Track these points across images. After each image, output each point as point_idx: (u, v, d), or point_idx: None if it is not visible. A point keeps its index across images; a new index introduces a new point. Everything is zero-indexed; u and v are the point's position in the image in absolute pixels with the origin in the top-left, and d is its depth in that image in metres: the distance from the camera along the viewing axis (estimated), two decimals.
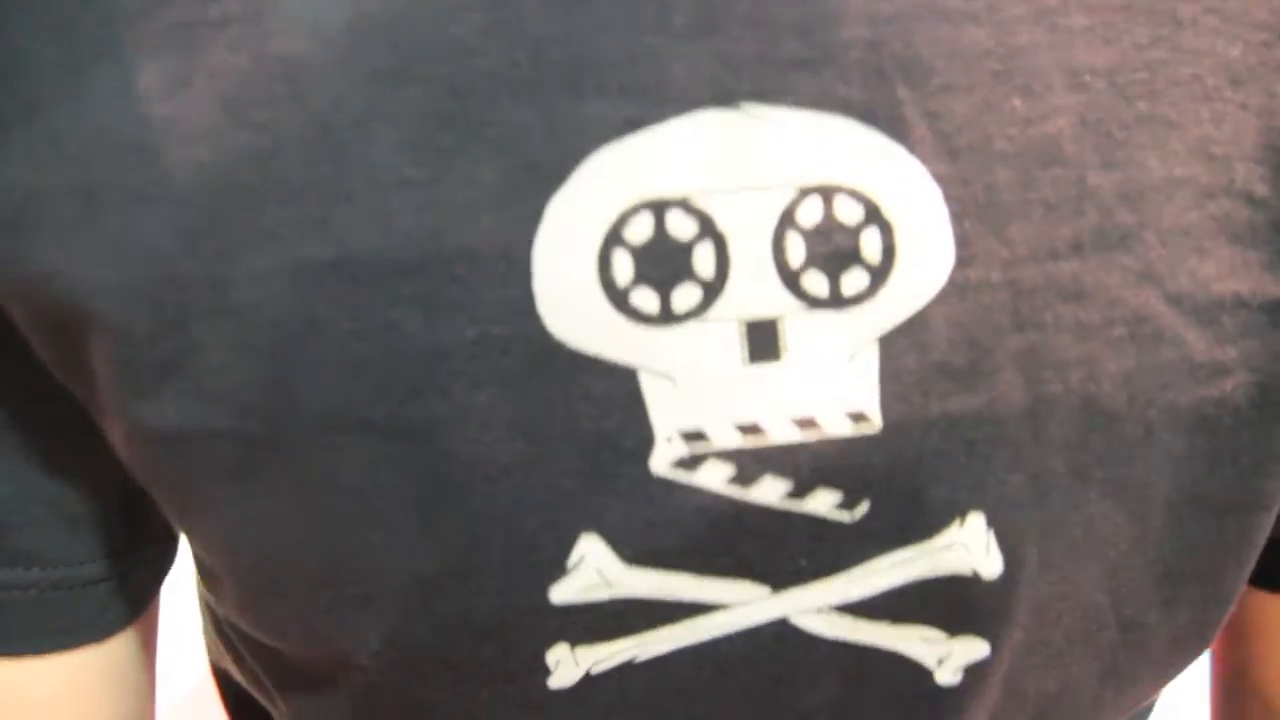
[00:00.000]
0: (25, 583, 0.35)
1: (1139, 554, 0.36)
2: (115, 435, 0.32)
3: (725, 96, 0.30)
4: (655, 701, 0.36)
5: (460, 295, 0.30)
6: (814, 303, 0.31)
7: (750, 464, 0.32)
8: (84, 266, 0.29)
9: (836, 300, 0.31)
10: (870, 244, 0.31)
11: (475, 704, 0.35)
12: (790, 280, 0.31)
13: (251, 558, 0.33)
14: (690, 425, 0.31)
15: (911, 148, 0.30)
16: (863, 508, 0.33)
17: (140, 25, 0.29)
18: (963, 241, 0.31)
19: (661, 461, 0.32)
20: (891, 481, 0.33)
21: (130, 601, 0.38)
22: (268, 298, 0.29)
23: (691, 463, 0.32)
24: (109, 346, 0.30)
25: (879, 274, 0.31)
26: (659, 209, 0.30)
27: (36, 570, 0.35)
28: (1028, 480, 0.33)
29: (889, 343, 0.31)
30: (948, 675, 0.36)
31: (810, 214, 0.30)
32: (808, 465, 0.32)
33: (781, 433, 0.32)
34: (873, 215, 0.30)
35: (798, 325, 0.31)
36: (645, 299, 0.30)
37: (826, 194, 0.30)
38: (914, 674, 0.36)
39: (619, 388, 0.31)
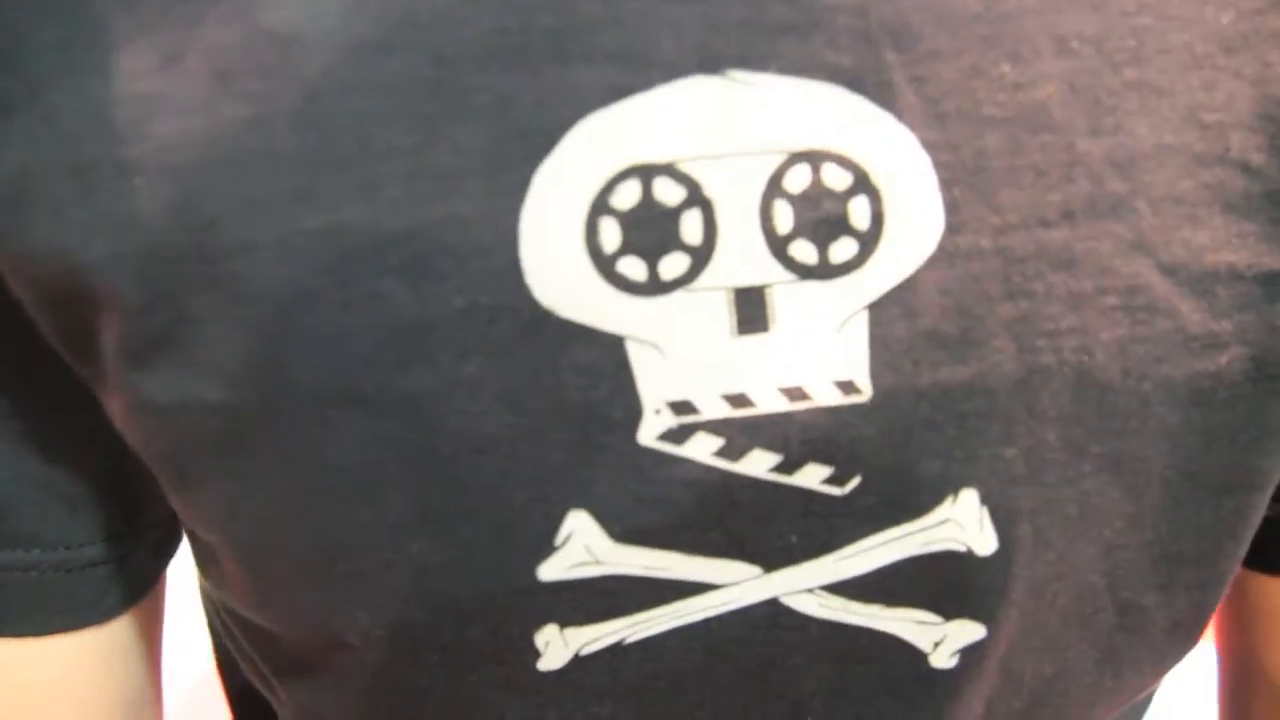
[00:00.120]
0: (26, 564, 0.36)
1: (1135, 534, 0.35)
2: (116, 409, 0.33)
3: (712, 63, 0.29)
4: (646, 684, 0.35)
5: (448, 264, 0.30)
6: (802, 271, 0.31)
7: (739, 435, 0.32)
8: (80, 241, 0.30)
9: (825, 268, 0.31)
10: (859, 211, 0.30)
11: (466, 687, 0.35)
12: (778, 248, 0.30)
13: (244, 534, 0.33)
14: (678, 396, 0.31)
15: (900, 114, 0.30)
16: (854, 482, 0.32)
17: (136, 2, 0.29)
18: (952, 208, 0.31)
19: (649, 433, 0.31)
20: (882, 455, 0.32)
21: (131, 584, 0.38)
22: (256, 269, 0.29)
23: (680, 434, 0.31)
24: (108, 319, 0.31)
25: (868, 241, 0.30)
26: (646, 175, 0.30)
27: (37, 552, 0.36)
28: (1021, 454, 0.33)
29: (878, 310, 0.31)
30: (943, 658, 0.36)
31: (798, 180, 0.30)
32: (797, 436, 0.32)
33: (770, 403, 0.31)
34: (861, 182, 0.30)
35: (786, 294, 0.31)
36: (633, 267, 0.30)
37: (814, 160, 0.30)
38: (909, 657, 0.36)
39: (607, 357, 0.31)
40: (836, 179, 0.30)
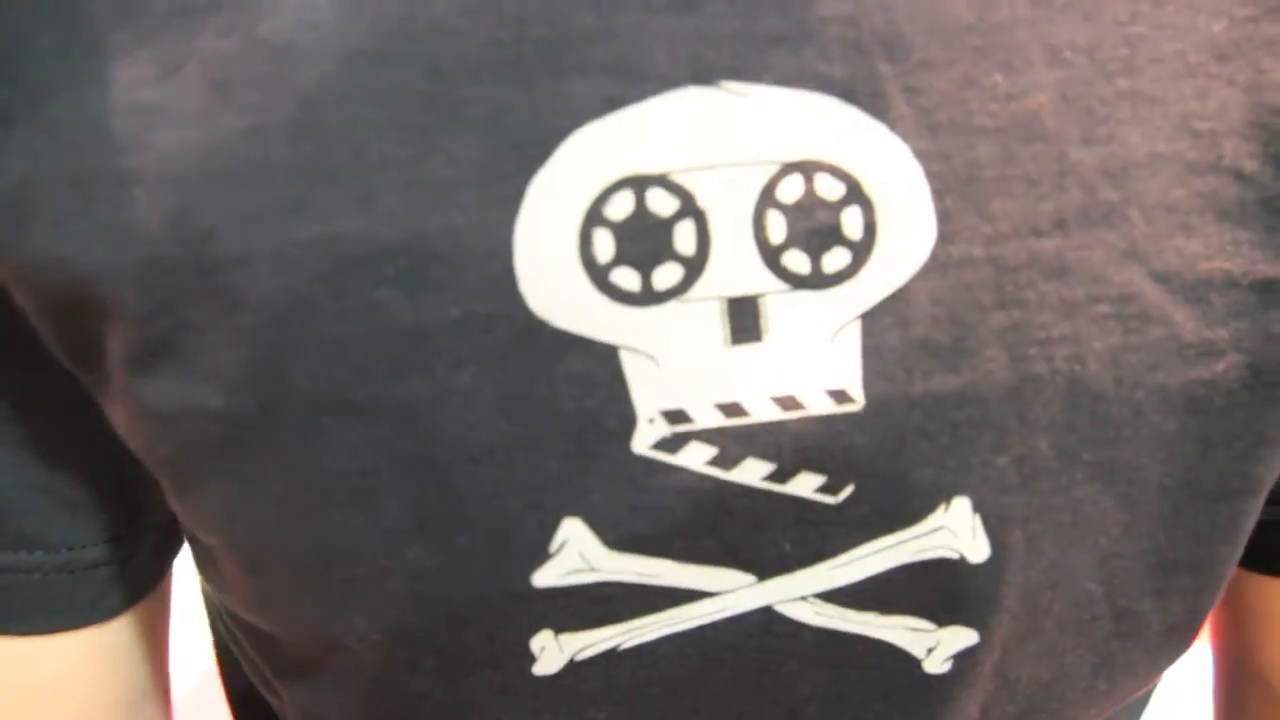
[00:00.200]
0: (29, 566, 0.36)
1: (1131, 541, 0.35)
2: (119, 415, 0.33)
3: (704, 74, 0.29)
4: (640, 690, 0.35)
5: (443, 274, 0.30)
6: (795, 281, 0.31)
7: (732, 444, 0.32)
8: (81, 251, 0.30)
9: (818, 278, 0.31)
10: (851, 221, 0.30)
11: (462, 691, 0.35)
12: (771, 258, 0.31)
13: (243, 538, 0.34)
14: (672, 405, 0.31)
15: (892, 124, 0.30)
16: (847, 491, 0.32)
17: (136, 12, 0.29)
18: (944, 217, 0.31)
19: (643, 442, 0.31)
20: (875, 463, 0.32)
21: (133, 584, 0.39)
22: (253, 279, 0.30)
23: (674, 443, 0.32)
24: (111, 327, 0.31)
25: (860, 251, 0.31)
26: (639, 186, 0.30)
27: (40, 554, 0.36)
28: (1013, 462, 0.33)
29: (871, 320, 0.31)
30: (937, 664, 0.36)
31: (791, 191, 0.30)
32: (790, 445, 0.32)
33: (763, 412, 0.31)
34: (854, 192, 0.30)
35: (779, 304, 0.31)
36: (626, 277, 0.30)
37: (807, 171, 0.30)
38: (903, 663, 0.36)
39: (601, 367, 0.31)
40: (829, 189, 0.30)
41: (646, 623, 0.34)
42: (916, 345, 0.31)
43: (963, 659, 0.36)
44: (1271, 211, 0.32)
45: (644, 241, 0.30)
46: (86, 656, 0.38)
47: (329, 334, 0.30)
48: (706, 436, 0.32)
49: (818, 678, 0.36)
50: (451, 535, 0.32)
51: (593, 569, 0.33)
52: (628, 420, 0.31)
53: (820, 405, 0.32)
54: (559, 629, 0.34)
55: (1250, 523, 0.37)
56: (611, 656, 0.34)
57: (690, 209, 0.30)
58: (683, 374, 0.31)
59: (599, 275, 0.30)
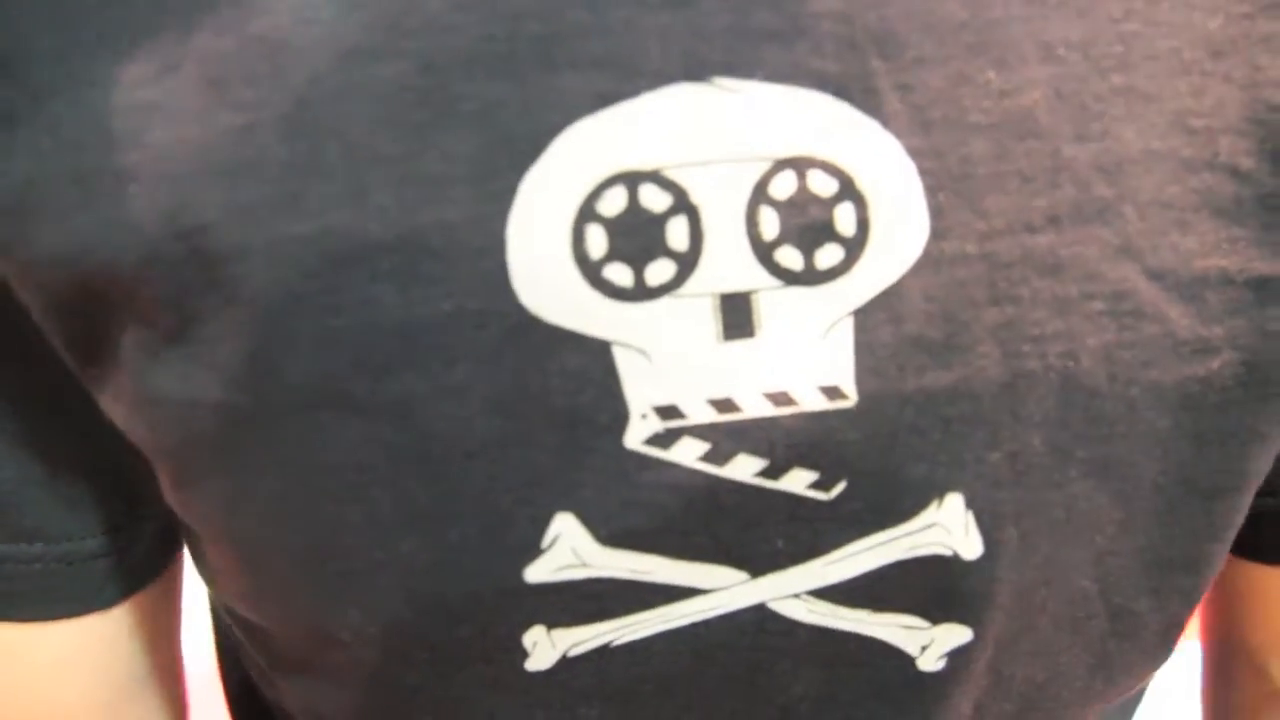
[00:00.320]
0: (29, 557, 0.36)
1: (1127, 539, 0.35)
2: (120, 407, 0.33)
3: (697, 70, 0.29)
4: (633, 686, 0.35)
5: (436, 270, 0.30)
6: (788, 277, 0.31)
7: (724, 440, 0.32)
8: (83, 247, 0.30)
9: (811, 274, 0.31)
10: (844, 217, 0.30)
11: (455, 685, 0.35)
12: (764, 254, 0.31)
13: (239, 531, 0.34)
14: (664, 400, 0.31)
15: (885, 121, 0.30)
16: (839, 487, 0.32)
17: (134, 12, 0.29)
18: (937, 214, 0.31)
19: (636, 437, 0.31)
20: (867, 460, 0.32)
21: (135, 573, 0.39)
22: (249, 273, 0.30)
23: (666, 439, 0.32)
24: (118, 318, 0.31)
25: (853, 247, 0.31)
26: (632, 181, 0.30)
27: (40, 545, 0.36)
28: (1006, 459, 0.33)
29: (864, 316, 0.31)
30: (930, 662, 0.36)
31: (784, 187, 0.30)
32: (782, 441, 0.32)
33: (755, 407, 0.31)
34: (847, 188, 0.30)
35: (772, 299, 0.31)
36: (619, 273, 0.30)
37: (800, 167, 0.30)
38: (896, 661, 0.36)
39: (594, 363, 0.31)
40: (822, 185, 0.30)
41: (639, 619, 0.34)
42: (909, 341, 0.31)
43: (956, 656, 0.36)
44: (1268, 209, 0.32)
45: (637, 237, 0.30)
46: (88, 642, 0.39)
47: (322, 329, 0.30)
48: (699, 432, 0.32)
49: (811, 675, 0.36)
50: (445, 530, 0.32)
51: (585, 565, 0.33)
52: (620, 416, 0.31)
53: (813, 401, 0.32)
54: (551, 625, 0.34)
55: (1241, 517, 0.37)
56: (604, 653, 0.34)
57: (683, 205, 0.30)
58: (675, 369, 0.31)
59: (592, 271, 0.30)
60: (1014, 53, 0.30)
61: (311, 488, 0.32)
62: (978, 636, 0.35)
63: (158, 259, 0.30)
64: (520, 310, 0.30)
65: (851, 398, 0.32)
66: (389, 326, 0.30)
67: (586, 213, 0.30)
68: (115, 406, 0.33)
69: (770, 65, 0.30)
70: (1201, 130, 0.32)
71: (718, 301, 0.31)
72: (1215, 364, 0.33)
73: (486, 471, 0.32)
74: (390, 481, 0.32)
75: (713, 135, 0.30)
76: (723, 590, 0.34)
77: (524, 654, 0.34)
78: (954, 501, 0.33)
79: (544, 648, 0.34)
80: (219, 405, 0.31)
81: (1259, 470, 0.36)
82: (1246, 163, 0.32)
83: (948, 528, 0.33)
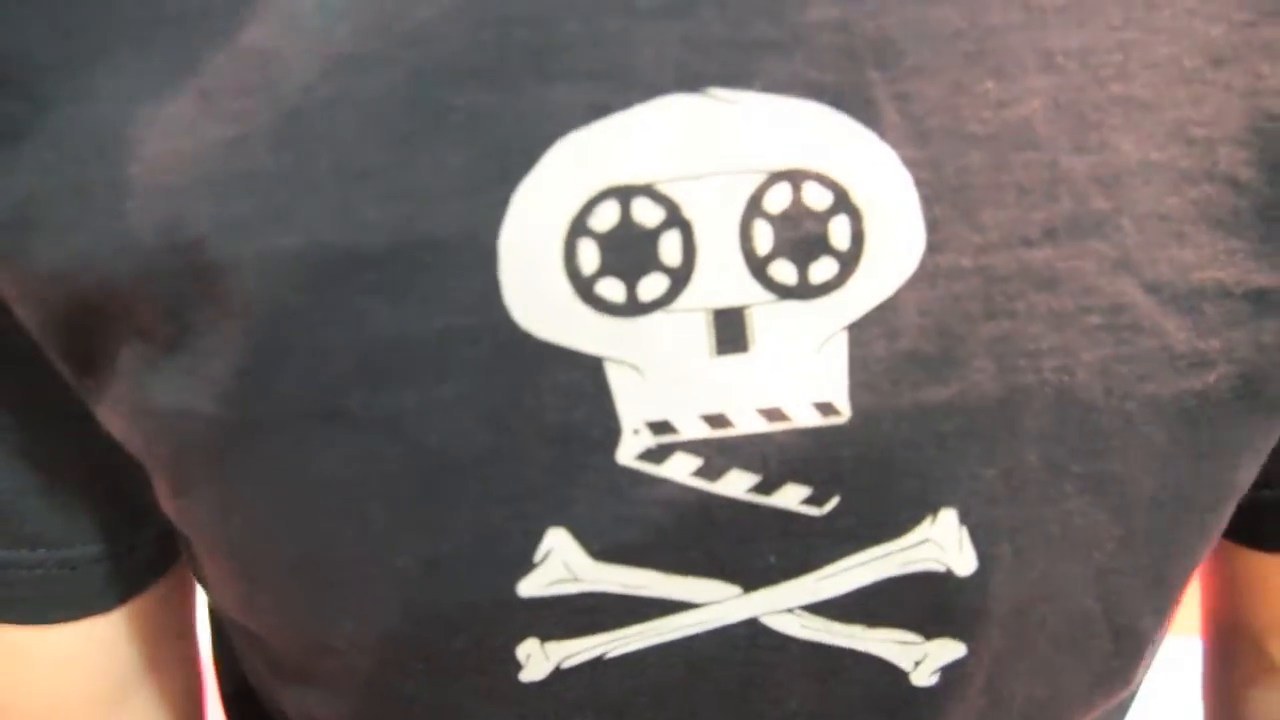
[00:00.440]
0: (30, 562, 0.36)
1: (1129, 558, 0.35)
2: (117, 420, 0.33)
3: (692, 80, 0.29)
4: (627, 698, 0.35)
5: (427, 285, 0.30)
6: (782, 291, 0.30)
7: (717, 456, 0.31)
8: (81, 263, 0.30)
9: (805, 289, 0.30)
10: (839, 231, 0.30)
11: (450, 695, 0.35)
12: (758, 269, 0.30)
13: (234, 541, 0.34)
14: (657, 416, 0.31)
15: (882, 132, 0.30)
16: (832, 503, 0.32)
17: (130, 23, 0.29)
18: (933, 227, 0.30)
19: (628, 453, 0.31)
20: (861, 475, 0.32)
21: (137, 575, 0.39)
22: (240, 286, 0.30)
23: (659, 454, 0.31)
24: (117, 331, 0.31)
25: (848, 261, 0.30)
26: (625, 196, 0.29)
27: (42, 551, 0.36)
28: (1001, 474, 0.32)
29: (858, 331, 0.31)
30: (924, 677, 0.36)
31: (778, 200, 0.30)
32: (775, 457, 0.31)
33: (748, 423, 0.31)
34: (841, 201, 0.30)
35: (766, 314, 0.31)
36: (611, 289, 0.30)
37: (795, 180, 0.30)
38: (890, 676, 0.36)
39: (586, 379, 0.31)
40: (817, 198, 0.30)
41: (632, 632, 0.34)
42: (904, 357, 0.31)
43: (950, 672, 0.35)
44: (1266, 220, 0.32)
45: (629, 252, 0.30)
46: (90, 644, 0.39)
47: (314, 342, 0.30)
48: (691, 448, 0.31)
49: (804, 690, 0.36)
50: (437, 544, 0.32)
51: (577, 579, 0.33)
52: (613, 431, 0.31)
53: (806, 417, 0.31)
54: (545, 637, 0.34)
55: (1224, 524, 0.36)
56: (598, 665, 0.34)
57: (676, 219, 0.30)
58: (668, 385, 0.31)
59: (584, 287, 0.30)
60: (1012, 62, 0.30)
61: (304, 500, 0.32)
62: (972, 652, 0.35)
63: (155, 272, 0.30)
64: (512, 326, 0.30)
65: (845, 414, 0.31)
66: (381, 340, 0.30)
67: (579, 227, 0.29)
68: (112, 418, 0.33)
69: (767, 76, 0.29)
70: (1201, 140, 0.31)
71: (711, 316, 0.31)
72: (1212, 378, 0.33)
73: (479, 486, 0.31)
74: (383, 495, 0.32)
75: (707, 148, 0.29)
76: (715, 604, 0.34)
77: (518, 665, 0.34)
78: (948, 517, 0.33)
79: (537, 660, 0.34)
80: (212, 418, 0.31)
81: (1246, 481, 0.36)
82: (1246, 173, 0.31)
83: (941, 543, 0.33)
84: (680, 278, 0.30)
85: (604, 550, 0.32)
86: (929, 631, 0.35)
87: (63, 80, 0.29)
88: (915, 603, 0.34)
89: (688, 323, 0.30)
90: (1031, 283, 0.31)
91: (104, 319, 0.31)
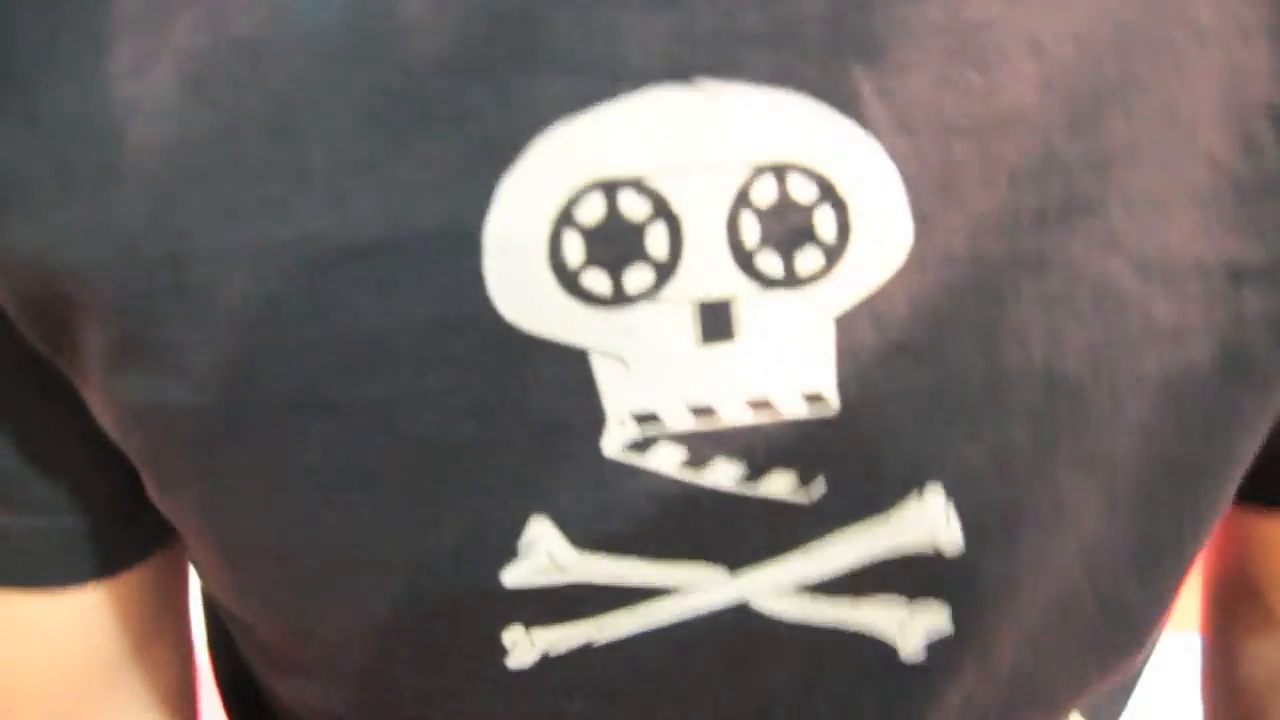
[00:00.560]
0: (32, 529, 0.37)
1: (1114, 529, 0.35)
2: (97, 408, 0.33)
3: (681, 71, 0.29)
4: (616, 682, 0.35)
5: (413, 277, 0.30)
6: (768, 283, 0.30)
7: (703, 447, 0.32)
8: (59, 244, 0.30)
9: (791, 280, 0.30)
10: (824, 223, 0.30)
11: (439, 683, 0.36)
12: (744, 261, 0.30)
13: (219, 531, 0.34)
14: (643, 407, 0.31)
15: (867, 125, 0.29)
16: (818, 486, 0.32)
17: (113, 3, 0.29)
18: (921, 217, 0.30)
19: (613, 444, 0.31)
20: (848, 460, 0.32)
21: (134, 547, 0.39)
22: (226, 277, 0.30)
23: (644, 445, 0.31)
24: (84, 320, 0.31)
25: (833, 253, 0.30)
26: (611, 190, 0.29)
27: (44, 518, 0.36)
28: (988, 453, 0.33)
29: (846, 321, 0.31)
30: (913, 652, 0.36)
31: (764, 193, 0.30)
32: (762, 448, 0.32)
33: (735, 414, 0.31)
34: (827, 193, 0.30)
35: (752, 306, 0.31)
36: (596, 281, 0.30)
37: (780, 172, 0.30)
38: (879, 652, 0.36)
39: (571, 371, 0.31)
40: (802, 191, 0.30)
41: (618, 618, 0.34)
42: (893, 346, 0.31)
43: (939, 646, 0.36)
44: (1241, 196, 0.32)
45: (615, 245, 0.30)
46: (84, 614, 0.39)
47: (300, 333, 0.30)
48: (677, 439, 0.31)
49: (793, 669, 0.36)
50: (421, 533, 0.32)
51: (561, 569, 0.33)
52: (597, 422, 0.31)
53: (794, 408, 0.31)
54: (530, 624, 0.34)
55: (1228, 498, 0.37)
56: (585, 651, 0.35)
57: (663, 212, 0.30)
58: (653, 377, 0.31)
59: (569, 279, 0.30)
60: (996, 53, 0.30)
61: (289, 491, 0.32)
62: (960, 626, 0.35)
63: (134, 258, 0.29)
64: (496, 319, 0.30)
65: (833, 404, 0.31)
66: (368, 332, 0.30)
67: (564, 220, 0.29)
68: (94, 403, 0.33)
69: (754, 68, 0.29)
70: (1186, 120, 0.31)
71: (697, 308, 0.31)
72: (1195, 352, 0.33)
73: (463, 477, 0.32)
74: (367, 485, 0.32)
75: (694, 140, 0.29)
76: (701, 588, 0.34)
77: (504, 652, 0.34)
78: (935, 496, 0.33)
79: (523, 647, 0.34)
80: (189, 410, 0.31)
81: (1242, 455, 0.36)
82: (1221, 151, 0.32)
83: (928, 521, 0.33)
84: (666, 270, 0.30)
85: (588, 540, 0.32)
86: (917, 607, 0.35)
87: (44, 56, 0.29)
88: (903, 580, 0.34)
89: (673, 314, 0.30)
90: (1021, 267, 0.31)
91: (70, 308, 0.31)
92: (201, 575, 0.38)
